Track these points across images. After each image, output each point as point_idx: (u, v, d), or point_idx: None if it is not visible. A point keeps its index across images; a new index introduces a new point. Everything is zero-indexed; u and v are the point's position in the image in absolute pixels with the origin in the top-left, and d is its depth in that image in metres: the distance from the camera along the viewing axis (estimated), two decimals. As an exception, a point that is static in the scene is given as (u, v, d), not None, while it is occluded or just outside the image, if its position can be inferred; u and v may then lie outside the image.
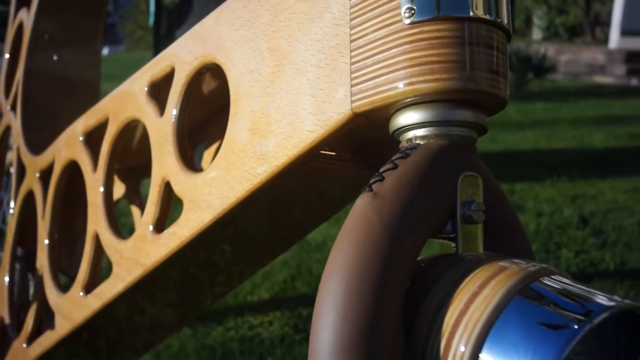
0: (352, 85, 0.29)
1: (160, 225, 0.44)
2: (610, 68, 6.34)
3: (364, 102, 0.28)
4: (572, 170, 2.72)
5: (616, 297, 0.22)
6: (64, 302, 0.56)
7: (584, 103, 4.66)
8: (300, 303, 1.53)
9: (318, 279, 1.65)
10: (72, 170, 0.59)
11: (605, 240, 1.96)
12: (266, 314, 1.47)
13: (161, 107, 0.44)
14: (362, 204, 0.25)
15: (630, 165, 2.87)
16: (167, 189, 0.43)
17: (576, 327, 0.21)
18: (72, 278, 0.60)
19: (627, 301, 0.22)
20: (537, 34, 8.80)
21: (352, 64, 0.29)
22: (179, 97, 0.41)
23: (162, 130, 0.43)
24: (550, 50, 6.36)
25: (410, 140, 0.28)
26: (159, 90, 0.45)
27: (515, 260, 0.25)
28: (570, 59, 6.74)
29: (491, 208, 0.28)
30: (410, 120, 0.28)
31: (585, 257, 1.85)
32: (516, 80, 5.13)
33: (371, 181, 0.26)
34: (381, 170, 0.26)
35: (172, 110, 0.42)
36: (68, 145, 0.58)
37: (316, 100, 0.31)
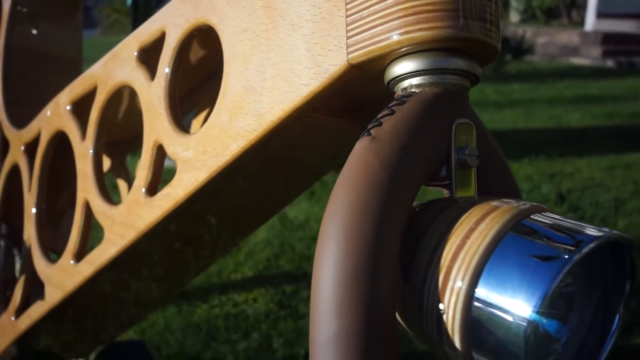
0: (347, 37, 0.29)
1: (153, 188, 0.44)
2: (586, 50, 6.40)
3: (360, 53, 0.29)
4: (550, 148, 2.76)
5: (604, 229, 0.23)
6: (54, 271, 0.56)
7: (560, 84, 4.72)
8: (284, 280, 1.53)
9: (301, 256, 1.66)
10: (56, 146, 0.59)
11: (582, 215, 2.00)
12: (250, 291, 1.48)
13: (151, 72, 0.44)
14: (360, 147, 0.26)
15: (606, 143, 2.92)
16: (160, 151, 0.43)
17: (566, 257, 0.22)
18: (57, 253, 0.60)
19: (615, 231, 0.23)
20: (514, 17, 8.84)
21: (347, 16, 0.29)
22: (170, 60, 0.42)
23: (153, 94, 0.43)
24: (527, 32, 6.40)
25: (405, 89, 0.29)
26: (148, 56, 0.45)
27: (507, 200, 0.26)
28: (547, 41, 6.79)
29: (483, 154, 0.28)
30: (406, 70, 0.28)
31: (563, 233, 1.89)
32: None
33: (369, 126, 0.27)
34: (378, 116, 0.27)
35: (164, 73, 0.42)
36: (54, 115, 0.57)
37: (312, 54, 0.31)
